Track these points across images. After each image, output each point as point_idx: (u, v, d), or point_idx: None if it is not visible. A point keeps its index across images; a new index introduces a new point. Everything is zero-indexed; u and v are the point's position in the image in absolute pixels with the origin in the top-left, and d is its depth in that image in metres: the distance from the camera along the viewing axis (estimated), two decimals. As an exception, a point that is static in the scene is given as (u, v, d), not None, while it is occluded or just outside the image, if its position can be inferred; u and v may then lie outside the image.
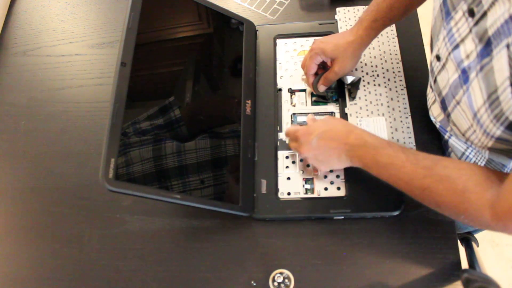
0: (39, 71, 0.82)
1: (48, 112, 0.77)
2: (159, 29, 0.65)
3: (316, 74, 0.69)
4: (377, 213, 0.60)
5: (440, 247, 0.58)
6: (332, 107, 0.69)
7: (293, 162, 0.65)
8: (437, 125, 0.63)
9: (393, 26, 0.74)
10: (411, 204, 0.59)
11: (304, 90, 0.71)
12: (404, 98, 0.68)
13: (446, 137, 0.63)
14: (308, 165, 0.65)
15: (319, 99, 0.70)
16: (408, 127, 0.65)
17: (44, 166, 0.72)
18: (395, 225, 0.60)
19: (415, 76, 0.70)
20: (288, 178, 0.64)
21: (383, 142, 0.54)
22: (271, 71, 0.73)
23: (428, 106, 0.64)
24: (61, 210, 0.68)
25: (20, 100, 0.79)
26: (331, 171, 0.63)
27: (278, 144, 0.67)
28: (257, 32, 0.77)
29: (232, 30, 0.75)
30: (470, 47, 0.45)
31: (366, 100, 0.68)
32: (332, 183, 0.62)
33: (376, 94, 0.68)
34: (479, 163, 0.61)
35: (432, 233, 0.59)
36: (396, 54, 0.71)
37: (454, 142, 0.62)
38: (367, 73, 0.70)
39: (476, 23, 0.43)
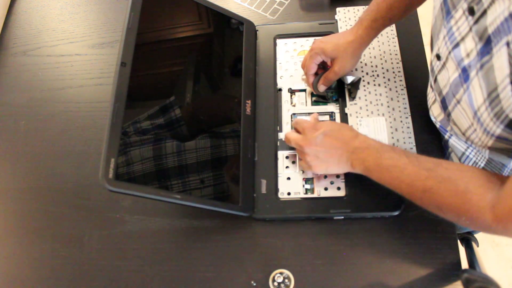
0: (39, 71, 0.82)
1: (48, 112, 0.77)
2: (159, 29, 0.65)
3: (316, 74, 0.69)
4: (377, 213, 0.60)
5: (440, 247, 0.58)
6: (332, 107, 0.69)
7: (293, 162, 0.65)
8: (437, 125, 0.63)
9: (393, 26, 0.74)
10: (411, 204, 0.59)
11: (304, 90, 0.71)
12: (404, 98, 0.68)
13: (446, 137, 0.63)
14: (293, 162, 0.64)
15: (319, 99, 0.70)
16: (408, 127, 0.65)
17: (44, 166, 0.72)
18: (395, 225, 0.60)
19: (415, 76, 0.70)
20: (288, 178, 0.64)
21: (387, 146, 0.55)
22: (271, 71, 0.73)
23: (428, 106, 0.64)
24: (61, 210, 0.68)
25: (20, 100, 0.79)
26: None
27: (278, 144, 0.67)
28: (257, 32, 0.77)
29: (232, 30, 0.75)
30: (470, 45, 0.45)
31: (366, 100, 0.68)
32: (332, 183, 0.62)
33: (376, 94, 0.68)
34: (479, 163, 0.61)
35: (432, 233, 0.59)
36: (396, 54, 0.71)
37: (454, 142, 0.62)
38: (367, 73, 0.70)
39: (476, 21, 0.43)
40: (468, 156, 0.62)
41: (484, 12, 0.41)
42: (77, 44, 0.84)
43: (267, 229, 0.62)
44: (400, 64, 0.71)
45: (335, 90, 0.70)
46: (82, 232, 0.65)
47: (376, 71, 0.70)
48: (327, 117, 0.68)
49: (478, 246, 0.72)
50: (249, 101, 0.69)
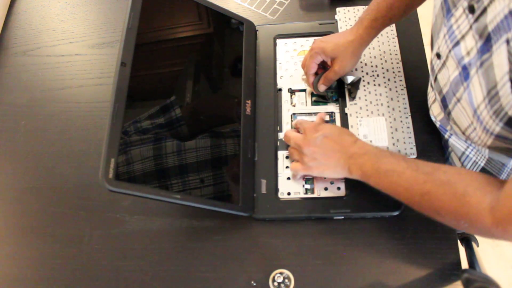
0: (39, 71, 0.82)
1: (48, 112, 0.77)
2: (159, 29, 0.65)
3: (316, 73, 0.69)
4: (377, 213, 0.60)
5: (440, 247, 0.58)
6: (332, 107, 0.69)
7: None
8: (437, 125, 0.63)
9: (393, 26, 0.74)
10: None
11: (304, 90, 0.71)
12: (404, 98, 0.68)
13: (446, 136, 0.63)
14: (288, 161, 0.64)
15: (319, 99, 0.70)
16: (408, 127, 0.65)
17: (44, 166, 0.72)
18: (395, 225, 0.60)
19: (415, 76, 0.70)
20: (288, 178, 0.64)
21: (385, 151, 0.55)
22: (271, 71, 0.73)
23: (429, 105, 0.64)
24: (61, 210, 0.68)
25: (20, 100, 0.79)
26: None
27: (278, 144, 0.67)
28: (257, 32, 0.77)
29: (232, 30, 0.75)
30: (471, 43, 0.45)
31: (366, 100, 0.68)
32: (332, 183, 0.62)
33: (376, 94, 0.68)
34: (479, 163, 0.61)
35: (432, 233, 0.59)
36: (396, 54, 0.71)
37: (454, 142, 0.62)
38: (367, 73, 0.70)
39: (476, 19, 0.43)
40: (468, 156, 0.62)
41: (484, 10, 0.41)
42: (77, 44, 0.84)
43: (267, 229, 0.62)
44: (400, 64, 0.71)
45: (335, 90, 0.70)
46: (82, 232, 0.65)
47: (376, 71, 0.70)
48: (327, 117, 0.68)
49: (478, 246, 0.72)
50: (249, 101, 0.69)
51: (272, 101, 0.70)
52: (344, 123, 0.67)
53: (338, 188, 0.62)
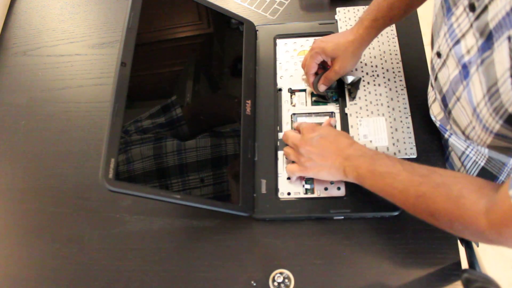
0: (39, 71, 0.82)
1: (48, 112, 0.77)
2: (159, 29, 0.65)
3: (316, 73, 0.69)
4: (377, 213, 0.60)
5: (440, 247, 0.58)
6: (332, 107, 0.69)
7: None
8: (437, 124, 0.63)
9: (393, 26, 0.74)
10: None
11: (304, 90, 0.71)
12: (404, 98, 0.68)
13: (446, 136, 0.63)
14: (293, 162, 0.64)
15: (319, 99, 0.70)
16: (408, 127, 0.65)
17: (44, 166, 0.72)
18: (395, 225, 0.60)
19: (415, 76, 0.70)
20: (288, 178, 0.64)
21: (381, 154, 0.55)
22: (271, 71, 0.73)
23: (429, 105, 0.64)
24: (61, 210, 0.68)
25: (20, 100, 0.79)
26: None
27: (278, 144, 0.67)
28: (257, 32, 0.77)
29: (232, 30, 0.75)
30: (471, 42, 0.45)
31: (366, 100, 0.68)
32: (332, 183, 0.62)
33: (376, 94, 0.68)
34: (479, 162, 0.61)
35: (432, 233, 0.59)
36: (396, 54, 0.71)
37: (454, 141, 0.62)
38: (367, 73, 0.70)
39: (477, 17, 0.43)
40: (468, 155, 0.62)
41: (485, 8, 0.41)
42: (77, 44, 0.84)
43: (267, 229, 0.62)
44: (400, 64, 0.71)
45: (335, 90, 0.70)
46: (82, 232, 0.65)
47: (376, 71, 0.70)
48: (327, 117, 0.68)
49: (478, 246, 0.72)
50: (249, 101, 0.69)
51: (272, 101, 0.70)
52: (344, 123, 0.67)
53: (338, 188, 0.62)
